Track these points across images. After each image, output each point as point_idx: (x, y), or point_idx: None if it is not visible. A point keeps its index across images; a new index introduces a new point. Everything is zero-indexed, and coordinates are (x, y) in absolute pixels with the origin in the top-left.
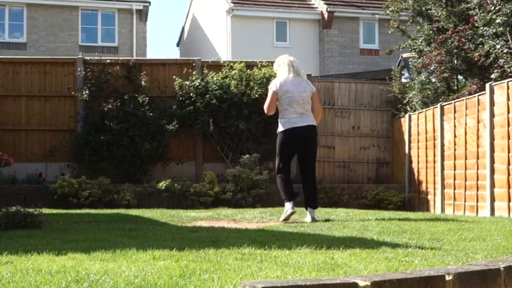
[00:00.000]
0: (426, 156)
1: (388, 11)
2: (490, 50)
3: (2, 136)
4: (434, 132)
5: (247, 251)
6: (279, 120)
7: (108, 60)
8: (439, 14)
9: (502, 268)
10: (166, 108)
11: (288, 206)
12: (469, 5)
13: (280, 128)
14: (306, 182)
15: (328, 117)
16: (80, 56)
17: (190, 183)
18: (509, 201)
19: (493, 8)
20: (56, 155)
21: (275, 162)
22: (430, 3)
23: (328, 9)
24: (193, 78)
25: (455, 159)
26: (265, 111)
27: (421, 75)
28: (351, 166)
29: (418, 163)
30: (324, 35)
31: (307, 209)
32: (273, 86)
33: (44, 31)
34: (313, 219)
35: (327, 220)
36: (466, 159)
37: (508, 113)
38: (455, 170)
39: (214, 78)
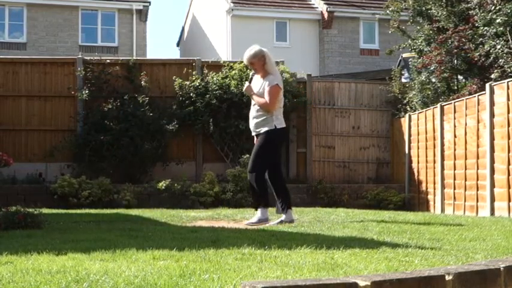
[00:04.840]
0: (426, 156)
1: (388, 11)
2: (490, 50)
3: (2, 136)
4: (434, 132)
5: (247, 251)
6: (273, 117)
7: (108, 60)
8: (439, 14)
9: (502, 268)
10: (166, 108)
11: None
12: (469, 4)
13: (279, 125)
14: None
15: (328, 117)
16: (80, 56)
17: (190, 183)
18: (509, 201)
19: (493, 7)
20: (56, 155)
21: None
22: (430, 3)
23: (328, 9)
24: (193, 78)
25: (455, 159)
26: (270, 109)
27: (421, 75)
28: (351, 166)
29: (418, 163)
30: (324, 35)
31: (285, 211)
32: (278, 82)
33: (44, 31)
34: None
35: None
36: (466, 159)
37: (508, 113)
38: (455, 169)
39: (214, 78)
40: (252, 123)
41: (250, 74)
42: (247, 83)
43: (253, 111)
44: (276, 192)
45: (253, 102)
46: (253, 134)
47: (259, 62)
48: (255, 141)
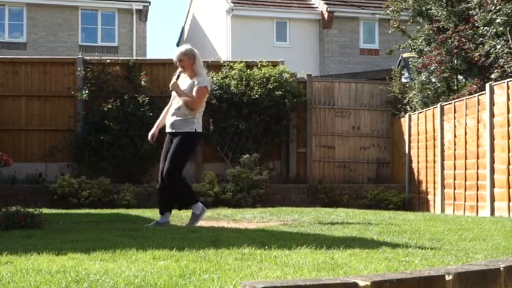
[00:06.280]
0: (426, 156)
1: (388, 11)
2: (490, 50)
3: (2, 136)
4: (434, 132)
5: (247, 251)
6: (194, 119)
7: (108, 60)
8: (439, 13)
9: (502, 268)
10: None
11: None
12: (469, 4)
13: (199, 128)
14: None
15: (328, 117)
16: (80, 56)
17: (190, 183)
18: (509, 201)
19: (493, 7)
20: (56, 155)
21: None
22: (431, 3)
23: (328, 9)
24: None
25: (455, 159)
26: (194, 108)
27: (421, 75)
28: (351, 166)
29: (418, 163)
30: (324, 35)
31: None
32: (207, 85)
33: (44, 31)
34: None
35: None
36: (466, 159)
37: (508, 113)
38: (455, 170)
39: (214, 78)
40: (170, 120)
41: (178, 71)
42: (174, 79)
43: (173, 108)
44: (175, 193)
45: (174, 99)
46: (168, 130)
47: (188, 61)
48: (166, 140)
